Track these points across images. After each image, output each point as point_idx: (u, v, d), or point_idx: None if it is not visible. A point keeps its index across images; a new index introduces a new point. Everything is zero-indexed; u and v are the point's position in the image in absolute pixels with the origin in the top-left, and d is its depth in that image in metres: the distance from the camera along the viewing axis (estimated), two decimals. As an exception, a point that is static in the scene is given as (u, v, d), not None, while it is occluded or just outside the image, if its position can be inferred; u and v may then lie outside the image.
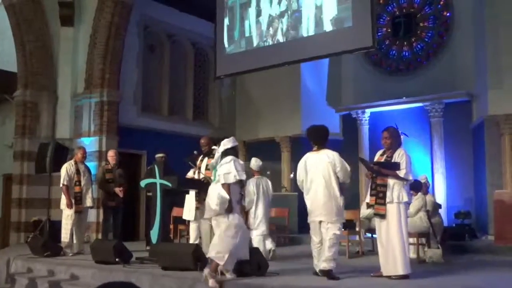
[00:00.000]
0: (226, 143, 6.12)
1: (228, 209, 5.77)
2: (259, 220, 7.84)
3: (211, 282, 5.47)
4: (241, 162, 6.03)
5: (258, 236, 7.75)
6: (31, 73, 12.08)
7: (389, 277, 5.74)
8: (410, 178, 6.00)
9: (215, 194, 5.88)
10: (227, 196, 5.77)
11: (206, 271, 5.59)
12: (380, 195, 5.91)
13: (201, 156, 7.76)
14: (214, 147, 7.03)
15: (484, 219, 11.19)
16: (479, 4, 12.04)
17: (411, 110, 13.42)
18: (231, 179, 5.81)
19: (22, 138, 11.86)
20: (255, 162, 8.29)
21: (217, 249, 5.69)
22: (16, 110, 12.10)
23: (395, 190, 5.86)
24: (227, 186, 5.81)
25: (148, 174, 8.57)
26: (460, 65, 13.07)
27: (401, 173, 5.86)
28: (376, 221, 6.03)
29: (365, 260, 7.82)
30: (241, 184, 6.08)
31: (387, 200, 5.86)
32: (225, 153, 6.06)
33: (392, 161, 5.94)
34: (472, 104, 12.70)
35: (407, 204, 6.01)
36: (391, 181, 5.88)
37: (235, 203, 5.87)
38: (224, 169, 5.87)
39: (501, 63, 11.03)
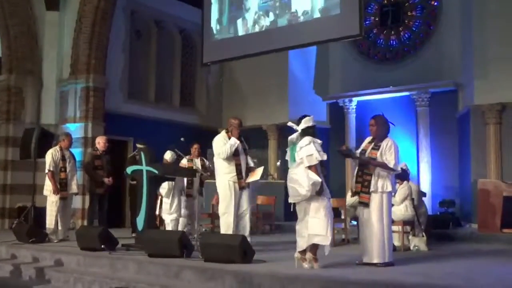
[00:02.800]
0: (308, 121, 5.86)
1: (319, 191, 5.61)
2: (175, 206, 8.67)
3: (316, 265, 5.52)
4: (319, 141, 5.79)
5: (173, 221, 8.63)
6: (16, 58, 11.93)
7: (374, 264, 5.79)
8: (399, 169, 6.06)
9: (303, 177, 5.60)
10: (319, 179, 5.58)
11: (309, 255, 5.57)
12: (365, 184, 5.94)
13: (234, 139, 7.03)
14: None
15: (468, 208, 11.32)
16: (467, -6, 12.07)
17: (398, 99, 13.49)
18: (314, 161, 5.62)
19: (6, 124, 11.74)
20: (170, 156, 8.95)
21: (318, 233, 5.56)
22: (0, 95, 11.95)
23: (380, 179, 5.89)
24: (314, 168, 5.62)
25: (131, 162, 8.60)
26: (446, 55, 13.14)
27: (391, 164, 5.88)
28: (359, 209, 6.08)
29: (351, 248, 7.87)
30: (322, 164, 5.85)
31: (372, 189, 5.89)
32: (305, 131, 5.82)
33: (380, 149, 5.96)
34: (458, 94, 12.79)
35: (391, 194, 6.05)
36: (376, 171, 5.91)
37: (324, 184, 5.70)
38: (306, 152, 5.65)
39: (487, 53, 11.09)
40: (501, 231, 9.23)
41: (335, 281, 4.94)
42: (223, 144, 6.99)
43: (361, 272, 5.38)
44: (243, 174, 7.03)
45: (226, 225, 7.00)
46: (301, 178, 5.63)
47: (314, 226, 5.59)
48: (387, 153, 5.93)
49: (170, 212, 8.67)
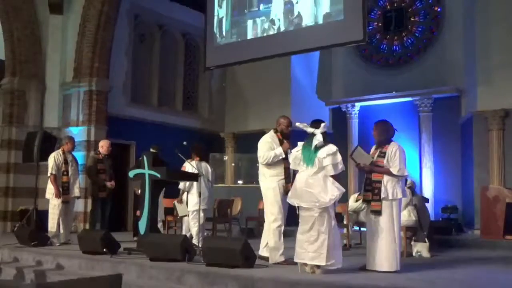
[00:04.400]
0: (325, 127, 5.84)
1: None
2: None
3: (318, 271, 5.49)
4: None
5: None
6: (19, 61, 11.95)
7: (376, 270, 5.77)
8: (406, 174, 5.98)
9: (327, 185, 5.53)
10: (343, 189, 5.57)
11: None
12: (375, 191, 5.88)
13: (279, 139, 6.68)
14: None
15: (471, 214, 11.29)
16: (470, 0, 12.07)
17: (401, 105, 13.49)
18: (339, 170, 5.62)
19: (9, 127, 11.75)
20: None
21: (336, 259, 5.56)
22: (4, 98, 11.97)
23: (389, 186, 5.83)
24: (337, 177, 5.60)
25: (137, 165, 8.56)
26: (449, 60, 13.14)
27: (394, 170, 5.83)
28: (369, 217, 6.00)
29: (353, 253, 7.84)
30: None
31: (382, 196, 5.83)
32: (323, 137, 5.79)
33: (386, 156, 5.92)
34: (461, 100, 12.79)
35: (401, 200, 6.01)
36: (385, 178, 5.87)
37: None
38: (333, 160, 5.59)
39: (490, 59, 11.09)
40: (503, 238, 9.21)
41: (337, 287, 4.93)
42: (268, 148, 6.58)
43: (364, 278, 5.37)
44: (291, 178, 6.43)
45: (277, 233, 6.40)
46: (322, 185, 5.54)
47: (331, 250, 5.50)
48: (392, 160, 5.90)
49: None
